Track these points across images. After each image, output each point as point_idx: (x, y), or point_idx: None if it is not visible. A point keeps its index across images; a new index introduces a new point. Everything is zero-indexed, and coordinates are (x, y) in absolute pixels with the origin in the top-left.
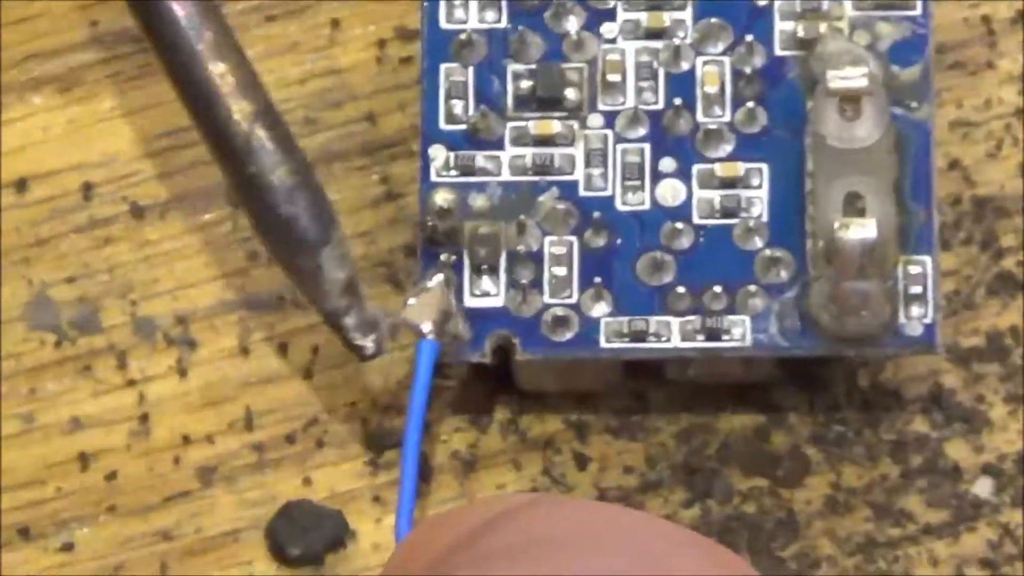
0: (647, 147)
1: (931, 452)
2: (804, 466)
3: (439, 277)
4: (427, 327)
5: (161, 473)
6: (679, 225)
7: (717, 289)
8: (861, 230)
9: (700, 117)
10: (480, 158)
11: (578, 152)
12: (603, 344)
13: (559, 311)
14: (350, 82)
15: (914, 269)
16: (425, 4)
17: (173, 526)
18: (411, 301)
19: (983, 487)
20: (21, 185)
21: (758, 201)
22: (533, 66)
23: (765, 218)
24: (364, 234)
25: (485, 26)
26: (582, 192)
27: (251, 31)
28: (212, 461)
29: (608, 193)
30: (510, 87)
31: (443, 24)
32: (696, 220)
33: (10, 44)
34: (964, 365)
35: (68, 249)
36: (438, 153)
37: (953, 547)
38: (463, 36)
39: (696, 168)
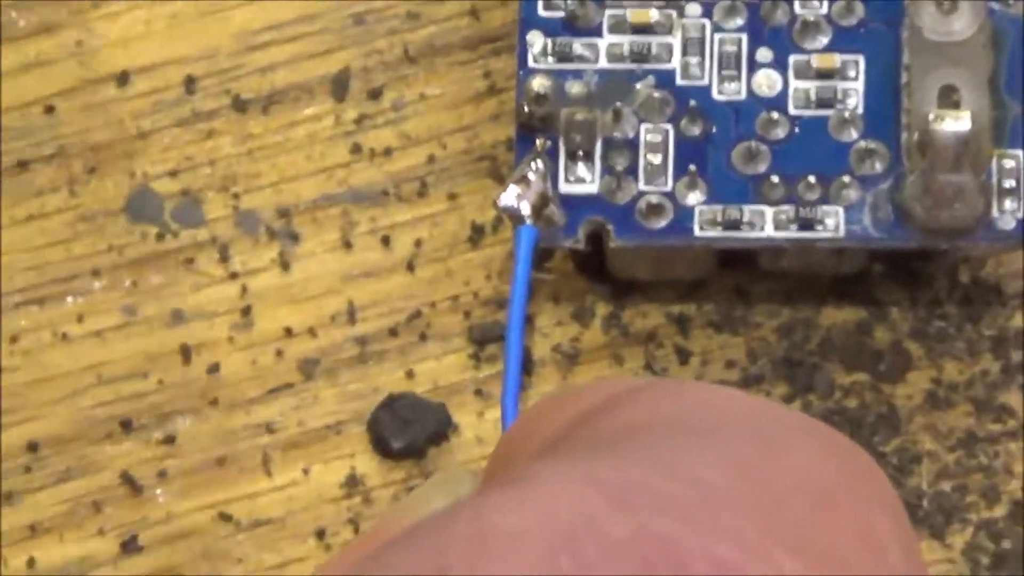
0: (744, 37)
1: None
2: (905, 361)
3: (537, 162)
4: (526, 212)
5: (263, 366)
6: (774, 115)
7: (811, 179)
8: (955, 123)
9: (798, 8)
10: (578, 45)
11: (675, 41)
12: (696, 232)
13: (653, 198)
14: None
15: (1008, 163)
16: None
17: (275, 419)
18: (509, 187)
19: None
20: (123, 78)
21: (854, 93)
22: None
23: (860, 110)
24: (466, 128)
25: None
26: (679, 80)
27: None
28: (314, 354)
29: (704, 82)
30: None
31: None
32: (792, 111)
33: None
34: None
35: (170, 142)
36: (536, 39)
37: None
38: None
39: (792, 59)
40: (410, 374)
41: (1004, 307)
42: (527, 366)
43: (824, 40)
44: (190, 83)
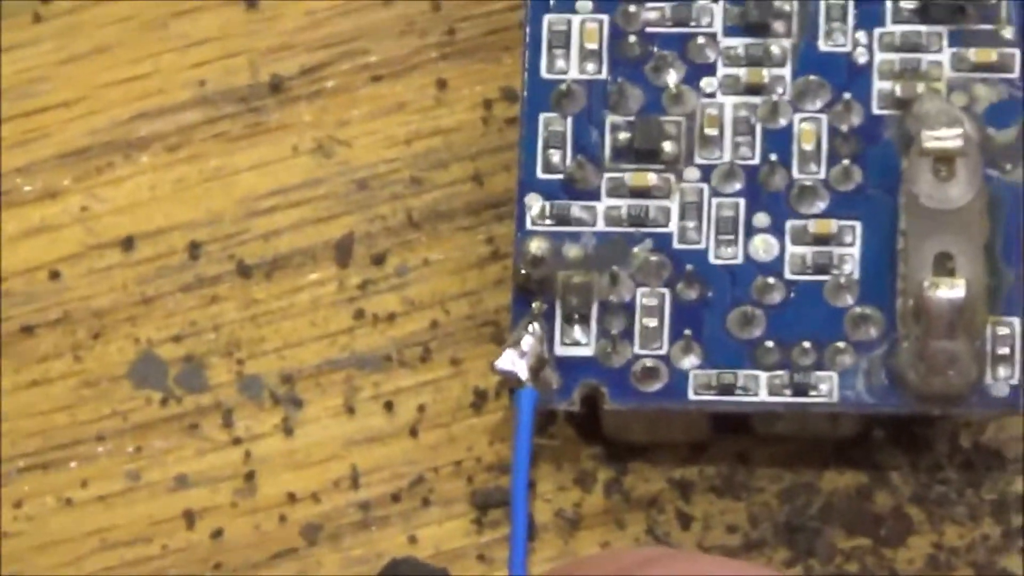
0: (742, 202)
1: None
2: (906, 526)
3: (534, 325)
4: (523, 374)
5: (267, 531)
6: (771, 280)
7: (806, 344)
8: (950, 290)
9: (795, 173)
10: (576, 208)
11: (673, 205)
12: (691, 396)
13: (648, 362)
14: (456, 142)
15: (1003, 330)
16: (526, 54)
17: None
18: (506, 350)
19: None
20: (128, 243)
21: (850, 258)
22: (631, 118)
23: (856, 275)
24: (470, 294)
25: (585, 77)
26: (676, 244)
27: (358, 91)
28: (318, 519)
29: (702, 246)
30: (608, 138)
31: (544, 74)
32: (788, 275)
33: (119, 102)
34: None
35: (175, 307)
36: (534, 202)
37: None
38: (563, 87)
39: (789, 224)
40: (412, 539)
41: (1005, 471)
42: (529, 531)
43: (822, 205)
44: (194, 248)
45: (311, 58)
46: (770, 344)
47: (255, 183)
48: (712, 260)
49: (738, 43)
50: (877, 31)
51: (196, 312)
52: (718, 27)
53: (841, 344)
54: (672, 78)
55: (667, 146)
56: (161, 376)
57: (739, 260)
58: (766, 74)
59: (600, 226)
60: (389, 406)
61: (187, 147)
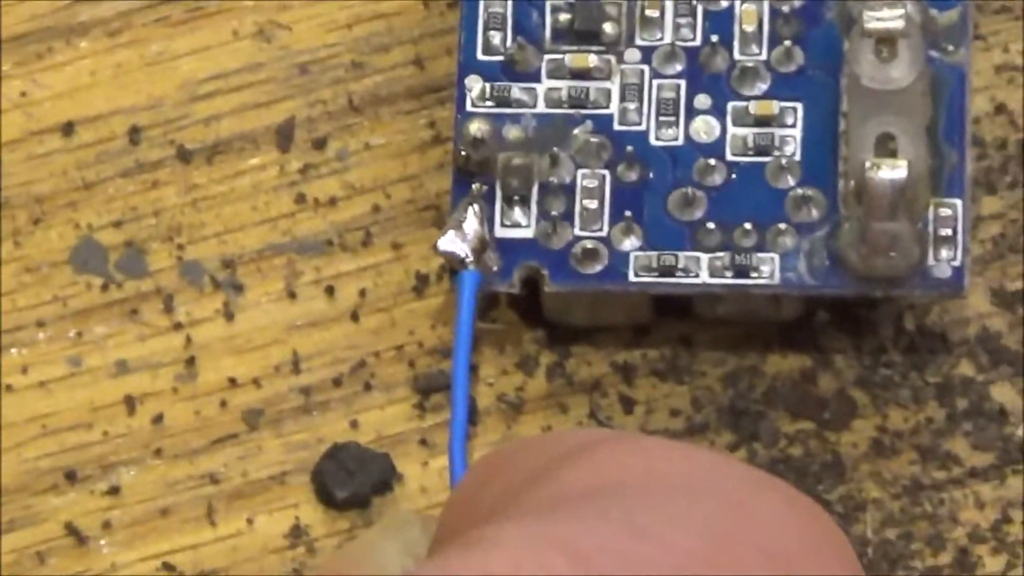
0: (683, 83)
1: (977, 395)
2: (850, 409)
3: (475, 206)
4: (465, 255)
5: (208, 416)
6: (712, 161)
7: (747, 226)
8: (892, 171)
9: (737, 55)
10: (516, 89)
11: (614, 86)
12: (631, 278)
13: (589, 244)
14: (397, 26)
15: (944, 211)
16: None
17: (219, 469)
18: (448, 231)
19: None
20: (68, 129)
21: (791, 140)
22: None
23: (798, 157)
24: (411, 178)
25: None
26: (616, 126)
27: None
28: (259, 404)
29: (642, 128)
30: (548, 20)
31: None
32: (729, 157)
33: None
34: (1010, 308)
35: (115, 193)
36: (474, 84)
37: (999, 490)
38: None
39: (731, 105)
40: (354, 424)
41: (949, 355)
42: (472, 415)
43: (763, 87)
44: (135, 133)
45: None
46: (711, 226)
47: (196, 68)
48: (653, 142)
49: None
50: None
51: (137, 197)
52: None
53: (783, 226)
54: None
55: (608, 27)
56: (101, 262)
57: (680, 142)
58: None
59: (540, 108)
60: (330, 291)
61: (127, 32)
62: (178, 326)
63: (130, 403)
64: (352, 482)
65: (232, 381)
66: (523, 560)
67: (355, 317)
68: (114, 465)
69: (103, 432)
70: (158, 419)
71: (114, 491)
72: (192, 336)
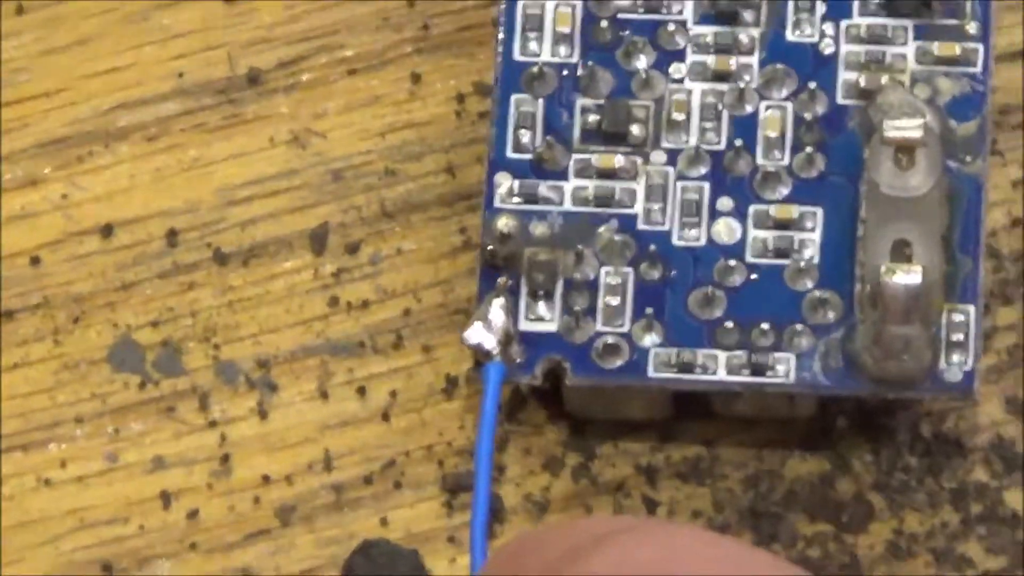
0: (706, 186)
1: (991, 500)
2: (867, 512)
3: (501, 300)
4: (491, 347)
5: (241, 512)
6: (732, 262)
7: (765, 326)
8: (907, 276)
9: (759, 159)
10: (543, 187)
11: (639, 187)
12: (651, 374)
13: (610, 339)
14: (429, 135)
15: (957, 317)
16: (500, 36)
17: (253, 563)
18: (475, 323)
19: None
20: (107, 231)
21: (810, 243)
22: (601, 101)
23: (816, 260)
24: (442, 282)
25: (557, 60)
26: (640, 225)
27: (333, 84)
28: (291, 501)
29: (665, 228)
30: (577, 120)
31: (516, 56)
32: (749, 259)
33: (99, 93)
34: (1023, 416)
35: (153, 294)
36: (503, 180)
37: None
38: (535, 68)
39: (752, 208)
40: (384, 521)
41: (964, 460)
42: (499, 514)
43: (784, 191)
44: (172, 236)
45: (288, 51)
46: (730, 325)
47: (232, 173)
48: (675, 242)
49: (707, 31)
50: (844, 23)
51: (174, 298)
52: (688, 15)
53: (799, 327)
54: (642, 63)
55: (635, 129)
56: (139, 360)
57: (702, 242)
58: (734, 62)
59: (567, 205)
60: (362, 391)
61: (166, 137)
62: (213, 424)
63: (166, 498)
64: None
65: (265, 478)
66: None
67: (386, 417)
68: (150, 559)
69: (139, 526)
70: (193, 514)
71: None
72: (227, 434)
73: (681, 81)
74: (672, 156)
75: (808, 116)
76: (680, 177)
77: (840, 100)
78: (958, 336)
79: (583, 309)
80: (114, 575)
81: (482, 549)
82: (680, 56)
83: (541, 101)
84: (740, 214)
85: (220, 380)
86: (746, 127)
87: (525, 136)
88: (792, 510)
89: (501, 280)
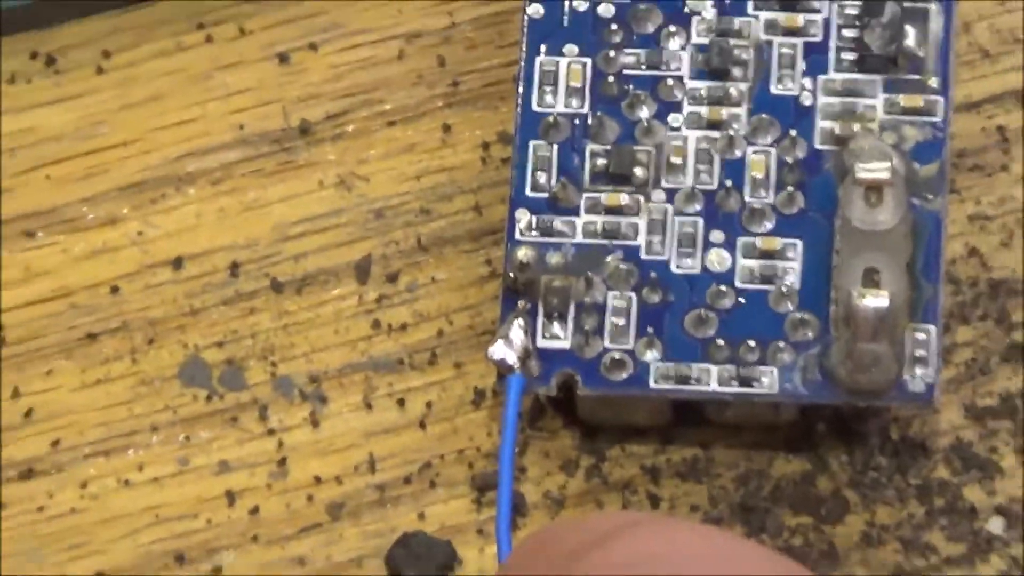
0: (700, 220)
1: (951, 495)
2: (843, 506)
3: (520, 321)
4: (512, 362)
5: (296, 508)
6: (723, 288)
7: (751, 343)
8: (875, 300)
9: (747, 197)
10: (558, 222)
11: (642, 222)
12: (652, 384)
13: (616, 355)
14: (459, 178)
15: (920, 336)
16: (520, 91)
17: (307, 554)
18: (498, 341)
19: (995, 525)
20: (177, 263)
21: (791, 271)
22: (608, 147)
23: (796, 286)
24: (470, 307)
25: (570, 111)
26: (643, 255)
27: (374, 134)
28: (340, 499)
29: (665, 257)
30: (587, 163)
31: (534, 108)
32: (738, 284)
33: (169, 143)
34: (980, 422)
35: (218, 318)
36: (523, 216)
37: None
38: (550, 119)
39: (740, 240)
40: (421, 516)
41: (928, 460)
42: (521, 509)
43: (769, 225)
44: (234, 268)
45: (335, 106)
46: (721, 342)
47: (286, 212)
48: (673, 269)
49: (702, 85)
50: (821, 78)
51: (236, 322)
52: (685, 71)
53: (782, 344)
54: (644, 113)
55: (638, 171)
56: (206, 377)
57: (696, 270)
58: (725, 112)
59: (578, 238)
60: (401, 403)
61: (228, 181)
62: (271, 432)
63: (230, 497)
64: (419, 565)
65: (317, 479)
66: None
67: (423, 425)
68: (217, 550)
69: (207, 521)
70: (254, 511)
71: (216, 571)
72: (283, 440)
73: (678, 129)
74: (670, 195)
75: (790, 159)
76: (678, 213)
77: (818, 145)
78: (921, 352)
79: (592, 328)
80: (185, 564)
81: (507, 540)
82: (678, 107)
83: (556, 147)
84: (730, 245)
85: (277, 393)
86: (735, 169)
87: (542, 177)
88: (778, 505)
89: (521, 304)
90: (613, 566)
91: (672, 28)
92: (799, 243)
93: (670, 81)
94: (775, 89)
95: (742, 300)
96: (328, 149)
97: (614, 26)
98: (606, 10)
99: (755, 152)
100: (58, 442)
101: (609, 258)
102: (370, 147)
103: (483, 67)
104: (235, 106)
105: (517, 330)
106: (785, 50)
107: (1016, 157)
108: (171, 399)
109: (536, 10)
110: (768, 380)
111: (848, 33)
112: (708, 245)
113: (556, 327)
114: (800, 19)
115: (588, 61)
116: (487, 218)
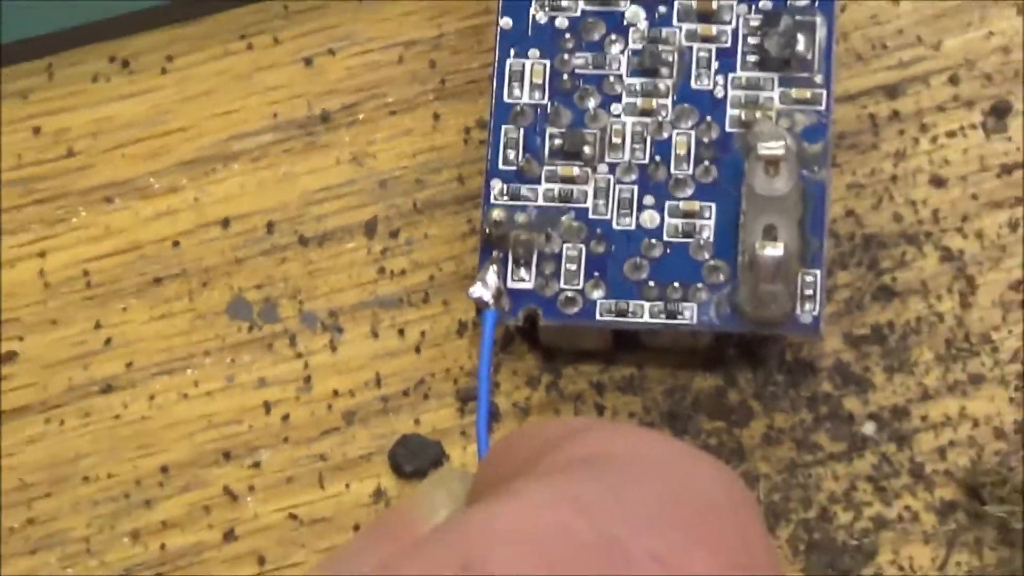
0: (636, 188)
1: (833, 405)
2: (749, 413)
3: (494, 267)
4: (488, 299)
5: (319, 416)
6: (654, 241)
7: (676, 284)
8: (773, 250)
9: (672, 170)
10: (524, 189)
11: (589, 189)
12: (598, 317)
13: (570, 293)
14: (446, 156)
15: (808, 279)
16: (494, 86)
17: (327, 451)
18: (476, 283)
19: (868, 428)
20: (225, 223)
21: (707, 228)
22: (563, 130)
23: (711, 239)
24: (455, 257)
25: (533, 102)
26: (591, 216)
27: (380, 121)
28: (353, 408)
29: (607, 217)
30: (547, 143)
31: (505, 99)
32: (665, 238)
33: (219, 129)
34: (855, 347)
35: (257, 266)
36: (496, 185)
37: (848, 468)
38: (518, 108)
39: (667, 203)
40: (417, 422)
41: (815, 377)
42: (495, 416)
43: (689, 192)
44: (270, 226)
45: (348, 99)
46: (652, 284)
47: (310, 183)
48: (614, 226)
49: (636, 81)
50: (731, 75)
51: (271, 269)
52: (623, 70)
53: (699, 285)
54: (591, 104)
55: (586, 149)
56: (248, 312)
57: (632, 227)
58: (655, 103)
59: (540, 202)
60: (401, 332)
61: (265, 159)
62: (299, 355)
63: (267, 407)
64: (415, 461)
65: (335, 392)
66: (541, 507)
67: (418, 350)
68: (256, 448)
69: (248, 426)
70: (285, 417)
71: (256, 465)
72: (308, 362)
73: (618, 116)
74: (612, 168)
75: (706, 140)
76: (618, 182)
77: (728, 129)
78: (809, 292)
79: (551, 273)
80: (232, 459)
81: (485, 441)
82: (618, 99)
83: (522, 130)
84: (659, 208)
85: (303, 325)
86: (663, 148)
87: (511, 154)
88: (697, 413)
89: (495, 254)
90: (571, 461)
91: (613, 37)
92: (713, 206)
93: (611, 78)
94: (694, 85)
95: (668, 251)
96: (343, 133)
97: (568, 35)
98: (561, 23)
99: (678, 134)
100: (131, 363)
101: (564, 218)
102: (376, 131)
103: (465, 68)
104: (270, 99)
105: (492, 275)
106: (702, 54)
107: (884, 138)
108: (220, 330)
109: (507, 22)
110: (689, 313)
111: (752, 40)
112: (641, 207)
113: (522, 272)
114: (714, 29)
115: (547, 63)
116: (468, 187)
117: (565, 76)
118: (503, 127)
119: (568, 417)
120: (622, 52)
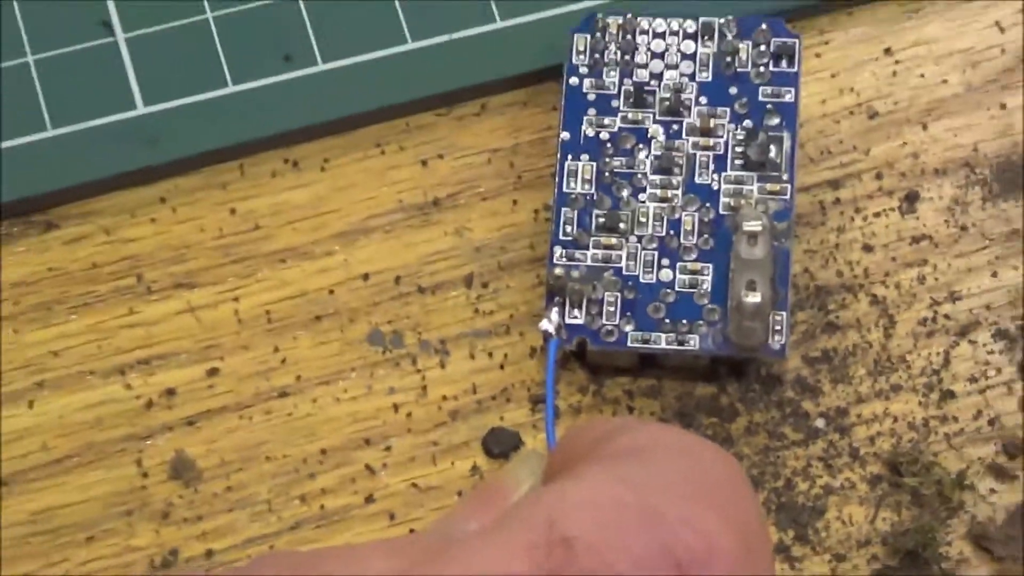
0: (656, 253)
1: (795, 406)
2: (735, 413)
3: (556, 308)
4: (552, 331)
5: (431, 414)
6: (668, 291)
7: (684, 321)
8: (753, 298)
9: (682, 240)
10: (577, 253)
11: (623, 253)
12: (629, 344)
13: (609, 327)
14: (522, 230)
15: (777, 318)
16: (556, 180)
17: (438, 439)
18: (544, 320)
19: (820, 423)
20: (366, 276)
21: (706, 282)
22: (605, 211)
23: (709, 290)
24: (528, 302)
25: (584, 192)
26: (624, 272)
27: (474, 206)
28: (456, 408)
29: (636, 273)
30: (594, 221)
31: (565, 190)
32: (676, 289)
33: (360, 211)
34: (811, 365)
35: (388, 308)
36: (558, 250)
37: (806, 451)
38: (573, 195)
39: (678, 264)
40: (501, 418)
41: (782, 386)
42: (556, 414)
43: (694, 256)
44: (397, 280)
45: (452, 189)
46: (667, 320)
47: (426, 248)
48: (641, 280)
49: (657, 178)
50: (723, 174)
51: (399, 309)
52: (648, 170)
53: (701, 322)
54: (625, 193)
55: (621, 225)
56: (382, 340)
57: (654, 281)
58: (670, 193)
59: (588, 263)
60: (490, 355)
61: (394, 231)
62: (418, 371)
63: (395, 407)
64: (500, 445)
65: (444, 397)
66: (600, 484)
67: (502, 367)
68: (388, 437)
69: (383, 421)
70: (408, 415)
71: (388, 449)
72: (425, 376)
73: (644, 202)
74: (640, 239)
75: (706, 219)
76: (643, 249)
77: (721, 212)
78: (778, 327)
79: (596, 313)
80: (370, 445)
81: (552, 431)
82: (644, 190)
83: (576, 212)
84: (672, 267)
85: (421, 350)
86: (675, 225)
87: (568, 229)
88: (699, 412)
89: (556, 299)
90: (617, 451)
91: (640, 146)
92: (711, 266)
93: (639, 175)
94: (698, 180)
95: (679, 298)
96: (449, 213)
97: (609, 145)
98: (604, 136)
99: (686, 215)
100: (299, 376)
101: (605, 274)
102: (472, 212)
103: (535, 167)
104: (397, 189)
105: (554, 314)
106: (703, 158)
107: (830, 217)
108: (362, 353)
109: (566, 135)
110: (694, 342)
111: (738, 149)
112: (660, 267)
113: (576, 312)
114: (711, 141)
115: (594, 164)
116: (537, 252)
117: (607, 174)
118: (562, 209)
119: (610, 416)
120: (647, 157)
